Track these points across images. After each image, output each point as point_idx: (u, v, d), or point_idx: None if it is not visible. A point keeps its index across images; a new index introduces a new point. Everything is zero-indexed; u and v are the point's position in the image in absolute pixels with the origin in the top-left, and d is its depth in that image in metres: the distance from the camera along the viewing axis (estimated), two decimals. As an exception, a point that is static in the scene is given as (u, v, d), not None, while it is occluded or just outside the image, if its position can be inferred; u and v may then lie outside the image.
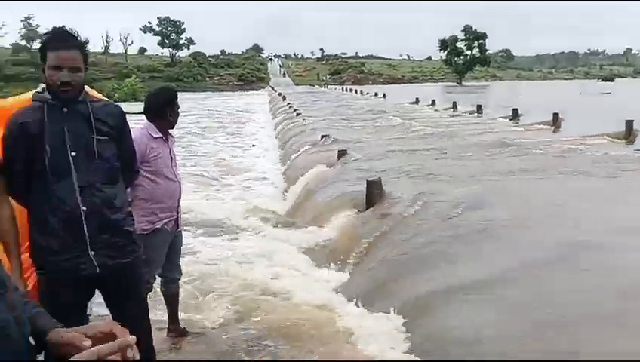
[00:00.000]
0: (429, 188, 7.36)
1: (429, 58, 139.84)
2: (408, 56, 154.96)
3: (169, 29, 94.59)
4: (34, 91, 2.76)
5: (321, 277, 5.75)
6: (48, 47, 2.61)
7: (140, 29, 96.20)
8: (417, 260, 5.15)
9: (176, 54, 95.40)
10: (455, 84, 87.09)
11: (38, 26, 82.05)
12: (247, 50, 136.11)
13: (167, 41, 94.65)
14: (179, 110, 3.97)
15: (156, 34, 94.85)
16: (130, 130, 2.96)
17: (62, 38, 2.62)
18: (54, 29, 2.68)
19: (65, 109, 2.66)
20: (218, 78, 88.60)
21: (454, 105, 26.15)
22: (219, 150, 16.97)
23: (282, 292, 5.38)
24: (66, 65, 2.59)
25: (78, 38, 2.66)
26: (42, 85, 2.70)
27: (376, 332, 4.18)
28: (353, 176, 8.80)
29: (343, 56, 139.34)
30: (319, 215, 7.59)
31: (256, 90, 75.88)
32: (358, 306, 4.71)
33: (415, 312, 4.20)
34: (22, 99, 2.96)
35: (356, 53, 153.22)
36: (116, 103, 3.00)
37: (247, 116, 31.66)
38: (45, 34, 2.66)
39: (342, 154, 10.36)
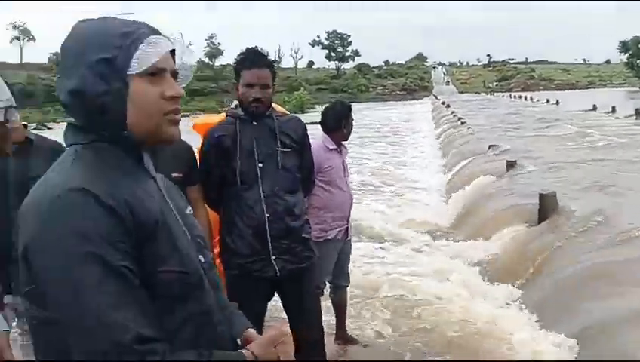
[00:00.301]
0: (608, 204, 6.80)
1: (608, 62, 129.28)
2: (584, 60, 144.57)
3: (336, 42, 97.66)
4: (228, 107, 3.05)
5: (488, 292, 5.57)
6: (242, 66, 2.87)
7: (309, 44, 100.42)
8: (594, 280, 4.79)
9: (342, 66, 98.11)
10: (638, 88, 79.34)
11: (219, 44, 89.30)
12: (410, 59, 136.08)
13: (333, 54, 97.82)
14: (353, 123, 4.13)
15: (324, 47, 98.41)
16: (310, 143, 3.15)
17: (254, 58, 2.87)
18: (247, 49, 2.94)
19: (254, 123, 2.91)
20: (381, 88, 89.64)
21: (638, 113, 23.82)
22: (379, 159, 17.13)
23: (446, 305, 5.31)
24: (258, 82, 2.83)
25: (268, 58, 2.90)
26: (235, 102, 2.98)
27: (546, 353, 3.98)
28: (523, 188, 8.40)
29: (511, 61, 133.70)
30: (486, 228, 7.36)
31: (418, 99, 75.50)
32: (528, 325, 4.52)
33: (589, 335, 3.93)
34: (222, 117, 3.27)
35: (526, 58, 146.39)
36: (299, 118, 3.20)
37: (408, 125, 31.61)
38: (239, 54, 2.92)
39: (511, 165, 9.94)
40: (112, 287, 1.08)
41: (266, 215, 2.88)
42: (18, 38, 76.54)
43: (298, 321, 2.90)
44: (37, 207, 1.14)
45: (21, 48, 76.46)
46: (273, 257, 2.90)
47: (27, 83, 55.03)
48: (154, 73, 1.20)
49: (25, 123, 2.77)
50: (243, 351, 1.28)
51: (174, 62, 1.27)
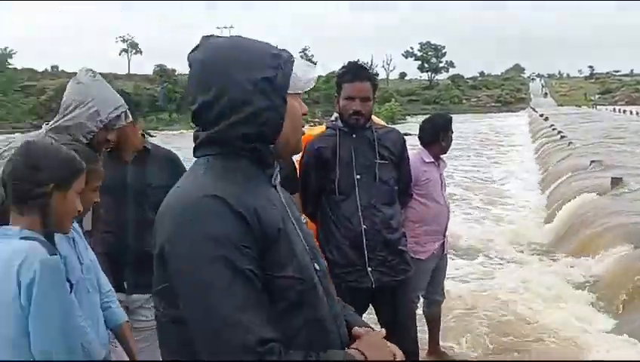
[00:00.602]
0: None
1: None
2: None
3: (429, 53, 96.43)
4: (329, 120, 3.11)
5: (587, 315, 5.32)
6: (343, 79, 2.93)
7: (402, 55, 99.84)
8: None
9: (435, 77, 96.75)
10: None
11: (312, 55, 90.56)
12: (507, 70, 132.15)
13: (426, 65, 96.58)
14: (452, 136, 4.07)
15: (417, 59, 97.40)
16: (408, 156, 3.16)
17: (356, 72, 2.92)
18: (349, 63, 3.00)
19: (354, 135, 2.95)
20: (475, 99, 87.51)
21: None
22: (473, 173, 16.76)
23: (544, 327, 5.11)
24: (358, 95, 2.88)
25: (370, 71, 2.94)
26: (335, 114, 3.04)
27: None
28: (630, 207, 7.94)
29: (616, 73, 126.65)
30: (588, 247, 7.02)
31: (514, 111, 73.12)
32: (625, 349, 4.31)
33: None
34: (321, 129, 3.34)
35: (631, 70, 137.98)
36: (398, 131, 3.21)
37: (504, 138, 30.70)
38: (341, 68, 2.99)
39: (616, 182, 9.41)
40: (240, 290, 1.14)
41: (363, 226, 2.91)
42: (126, 51, 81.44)
43: (392, 334, 2.89)
44: (172, 211, 1.22)
45: (129, 60, 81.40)
46: (369, 268, 2.93)
47: (134, 93, 58.33)
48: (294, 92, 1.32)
49: (143, 133, 2.92)
50: (351, 350, 1.31)
51: None
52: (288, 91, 1.29)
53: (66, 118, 2.38)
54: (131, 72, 72.81)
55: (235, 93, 1.25)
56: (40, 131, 2.43)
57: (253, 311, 1.14)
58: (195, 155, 1.34)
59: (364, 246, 2.91)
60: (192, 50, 1.32)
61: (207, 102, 1.27)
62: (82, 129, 2.38)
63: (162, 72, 62.66)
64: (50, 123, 2.41)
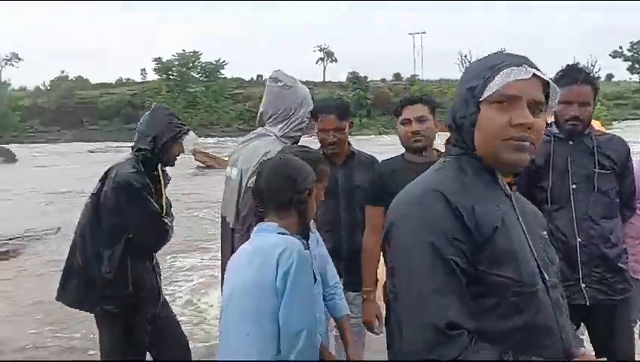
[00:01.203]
0: None
1: None
2: None
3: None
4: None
5: None
6: (560, 83, 2.77)
7: (610, 55, 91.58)
8: None
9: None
10: None
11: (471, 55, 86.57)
12: None
13: (637, 66, 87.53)
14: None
15: (626, 59, 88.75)
16: (633, 167, 2.90)
17: (575, 74, 2.76)
18: (567, 66, 2.84)
19: (571, 142, 2.79)
20: (698, 103, 77.05)
21: None
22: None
23: None
24: (577, 100, 2.71)
25: (589, 74, 2.76)
26: (550, 119, 2.89)
27: None
28: None
29: None
30: None
31: None
32: None
33: None
34: None
35: None
36: (621, 138, 2.96)
37: None
38: (558, 72, 2.84)
39: None
40: (441, 275, 1.23)
41: (578, 239, 2.73)
42: (322, 59, 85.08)
43: (607, 357, 2.67)
44: (401, 199, 1.37)
45: (324, 68, 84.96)
46: (583, 285, 2.74)
47: (328, 99, 60.65)
48: (502, 101, 1.32)
49: (348, 140, 3.14)
50: None
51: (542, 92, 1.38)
52: (484, 97, 1.33)
53: (291, 122, 2.69)
54: (326, 80, 75.92)
55: (455, 102, 1.41)
56: (269, 137, 2.74)
57: (450, 296, 1.22)
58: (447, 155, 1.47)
59: (578, 260, 2.73)
60: None
61: (453, 110, 1.42)
62: (302, 126, 2.78)
63: (355, 79, 64.50)
64: (279, 128, 2.72)
